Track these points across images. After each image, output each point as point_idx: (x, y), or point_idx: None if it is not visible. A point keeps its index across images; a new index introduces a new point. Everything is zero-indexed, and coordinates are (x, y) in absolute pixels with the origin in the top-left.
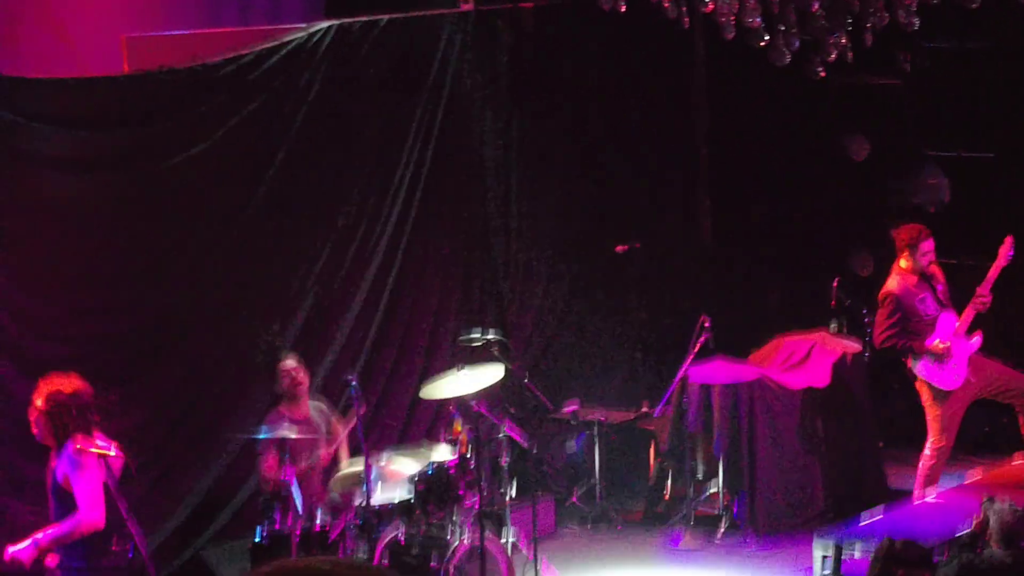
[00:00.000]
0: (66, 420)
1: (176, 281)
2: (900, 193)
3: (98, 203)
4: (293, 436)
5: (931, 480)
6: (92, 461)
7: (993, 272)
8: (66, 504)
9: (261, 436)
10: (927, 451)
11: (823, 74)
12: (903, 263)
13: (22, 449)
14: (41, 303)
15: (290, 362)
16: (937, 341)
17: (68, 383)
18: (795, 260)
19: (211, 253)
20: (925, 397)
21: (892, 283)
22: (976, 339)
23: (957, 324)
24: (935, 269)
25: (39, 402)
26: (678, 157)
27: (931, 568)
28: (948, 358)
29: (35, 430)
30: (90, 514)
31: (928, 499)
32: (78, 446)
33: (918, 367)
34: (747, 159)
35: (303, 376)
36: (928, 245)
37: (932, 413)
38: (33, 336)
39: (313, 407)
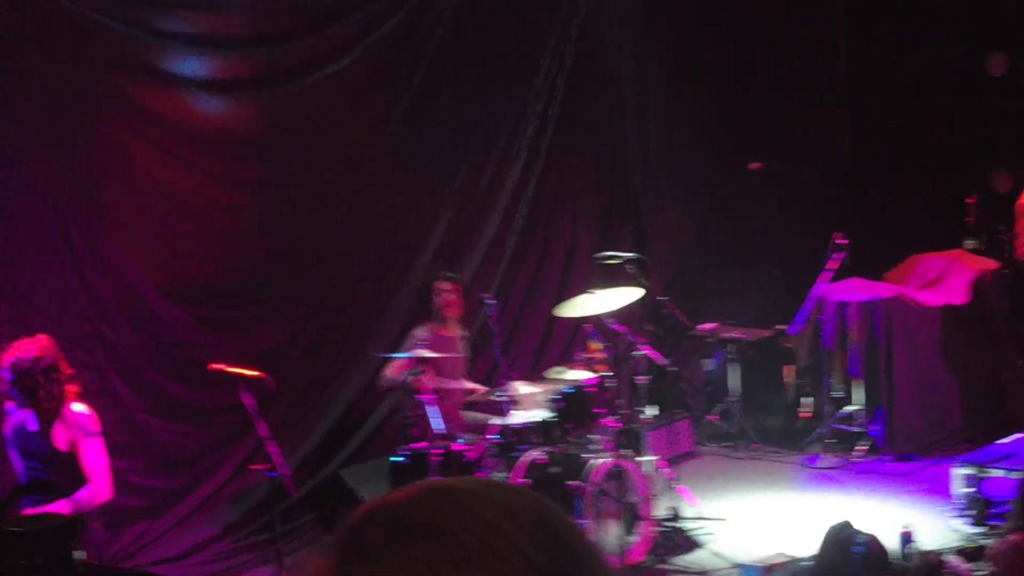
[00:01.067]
0: (52, 381)
1: (316, 200)
2: None
3: (236, 123)
4: (432, 356)
5: None
6: (98, 426)
7: None
8: (64, 470)
9: (401, 355)
10: None
11: None
12: None
13: (164, 368)
14: (184, 222)
15: (446, 283)
16: None
17: (31, 347)
18: (932, 178)
19: (350, 171)
20: None
21: None
22: None
23: None
24: None
25: (6, 372)
26: (817, 75)
27: None
28: None
29: (18, 400)
30: (104, 486)
31: None
32: (86, 410)
33: None
34: (886, 75)
35: (455, 299)
36: None
37: None
38: (174, 255)
39: (459, 331)
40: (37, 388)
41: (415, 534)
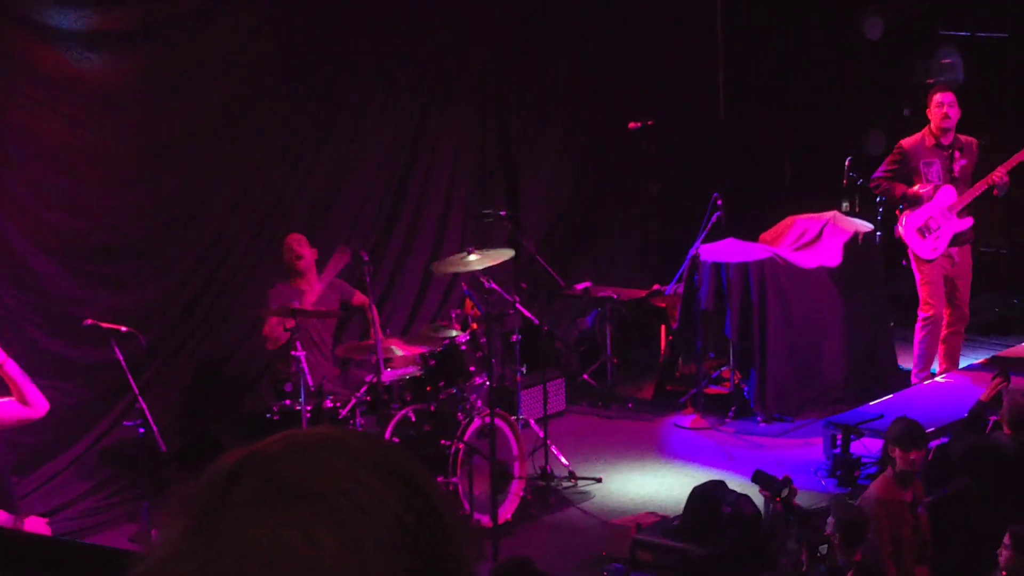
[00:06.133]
0: None
1: (192, 157)
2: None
3: (111, 76)
4: (301, 308)
5: (927, 354)
6: None
7: (1018, 156)
8: None
9: (269, 309)
10: (919, 320)
11: None
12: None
13: (40, 324)
14: (58, 175)
15: (292, 237)
16: (917, 186)
17: None
18: (808, 139)
19: (225, 131)
20: (913, 261)
21: (907, 138)
22: (967, 220)
23: (955, 200)
24: (969, 140)
25: None
26: (693, 34)
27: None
28: (930, 231)
29: None
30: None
31: (939, 379)
32: None
33: (904, 234)
34: (762, 37)
35: (306, 250)
36: (941, 98)
37: (918, 279)
38: (49, 208)
39: (327, 284)
40: None
41: (288, 497)
